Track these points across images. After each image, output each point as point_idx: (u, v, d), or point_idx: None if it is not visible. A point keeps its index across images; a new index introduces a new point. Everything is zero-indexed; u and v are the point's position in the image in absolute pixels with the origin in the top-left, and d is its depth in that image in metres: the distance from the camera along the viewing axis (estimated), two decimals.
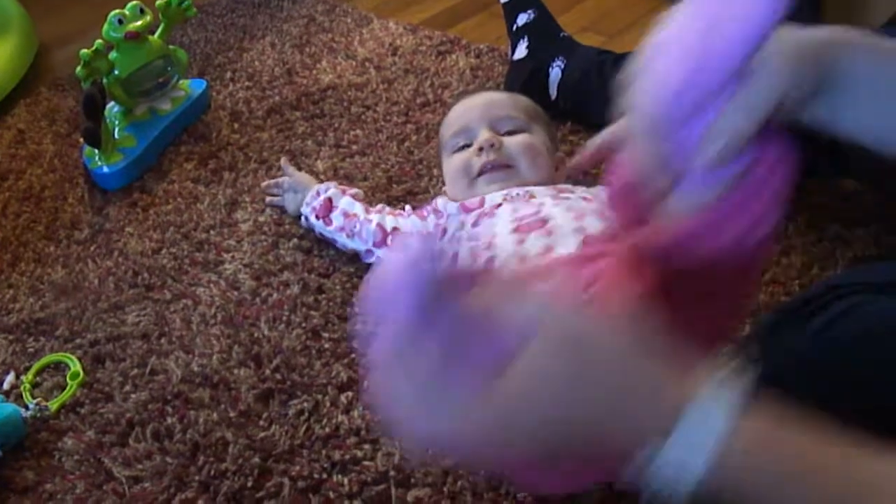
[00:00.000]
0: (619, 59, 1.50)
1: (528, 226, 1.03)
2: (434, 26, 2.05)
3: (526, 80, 1.60)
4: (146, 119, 1.62)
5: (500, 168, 1.21)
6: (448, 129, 1.32)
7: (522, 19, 1.65)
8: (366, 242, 1.27)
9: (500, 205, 1.14)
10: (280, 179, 1.46)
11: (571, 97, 1.56)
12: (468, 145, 1.25)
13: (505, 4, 1.70)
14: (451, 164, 1.27)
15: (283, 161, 1.49)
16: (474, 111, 1.29)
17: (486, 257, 1.01)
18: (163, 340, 1.21)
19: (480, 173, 1.22)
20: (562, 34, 1.64)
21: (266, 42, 1.99)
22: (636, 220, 0.74)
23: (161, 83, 1.65)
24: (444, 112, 1.43)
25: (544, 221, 1.02)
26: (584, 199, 1.12)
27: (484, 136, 1.23)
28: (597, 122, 1.51)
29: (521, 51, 1.64)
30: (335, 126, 1.67)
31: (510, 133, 1.25)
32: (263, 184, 1.49)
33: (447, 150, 1.30)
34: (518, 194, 1.15)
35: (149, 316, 1.25)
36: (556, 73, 1.56)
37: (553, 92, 1.58)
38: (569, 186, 1.20)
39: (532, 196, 1.14)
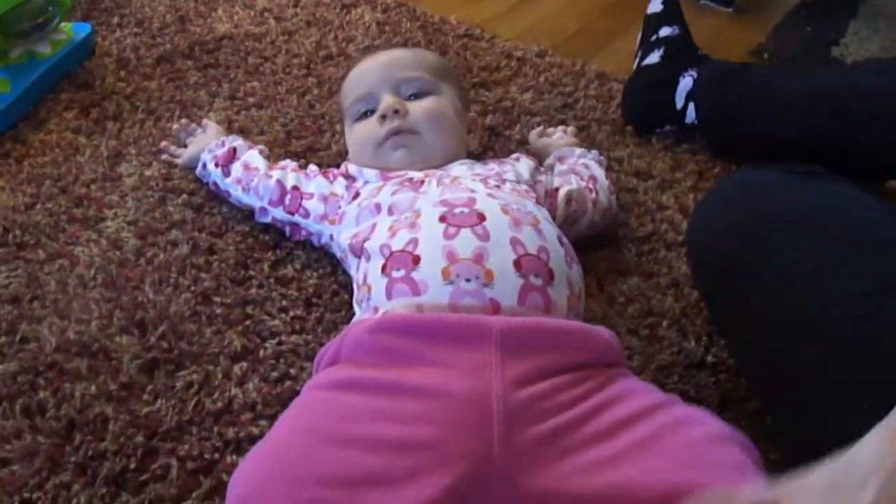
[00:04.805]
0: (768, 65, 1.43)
1: (460, 217, 0.95)
2: None
3: (651, 85, 1.52)
4: (22, 62, 1.50)
5: (406, 133, 1.16)
6: (349, 95, 1.25)
7: (665, 32, 1.58)
8: (261, 199, 1.19)
9: (423, 181, 1.07)
10: (192, 126, 1.40)
11: (704, 104, 1.47)
12: (371, 111, 1.20)
13: (651, 16, 1.62)
14: (355, 134, 1.22)
15: (207, 121, 1.41)
16: (375, 73, 1.22)
17: (407, 239, 0.94)
18: (35, 304, 1.10)
19: (386, 139, 1.16)
20: (699, 52, 1.57)
21: None
22: None
23: (40, 24, 1.51)
24: (348, 66, 1.36)
25: (480, 217, 0.94)
26: (514, 189, 1.07)
27: (387, 101, 1.17)
28: (736, 131, 1.44)
29: (654, 58, 1.55)
30: (230, 77, 1.58)
31: (415, 96, 1.19)
32: (175, 126, 1.41)
33: (349, 117, 1.24)
34: (440, 175, 1.09)
35: (20, 277, 1.14)
36: (686, 81, 1.47)
37: (679, 101, 1.48)
38: (493, 168, 1.14)
39: (456, 178, 1.07)
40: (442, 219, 0.95)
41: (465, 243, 0.91)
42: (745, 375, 1.03)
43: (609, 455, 0.74)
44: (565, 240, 1.00)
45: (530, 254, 0.91)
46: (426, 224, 0.95)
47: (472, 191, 1.01)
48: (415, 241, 0.93)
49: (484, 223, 0.93)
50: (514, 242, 0.92)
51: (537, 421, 0.76)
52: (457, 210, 0.96)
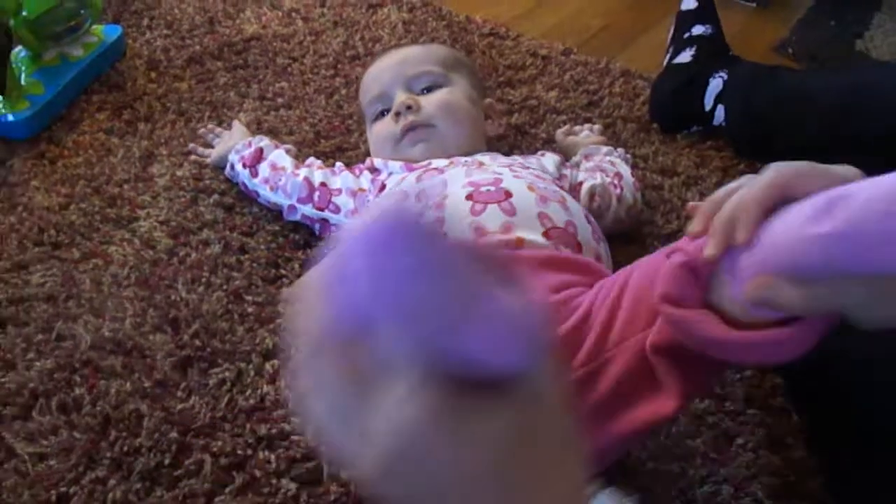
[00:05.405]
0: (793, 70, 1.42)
1: (487, 195, 0.97)
2: None
3: (681, 85, 1.51)
4: (56, 65, 1.52)
5: (422, 127, 1.18)
6: (365, 95, 1.28)
7: (698, 30, 1.57)
8: (289, 197, 1.21)
9: (446, 168, 1.09)
10: (218, 129, 1.42)
11: (733, 107, 1.46)
12: (387, 110, 1.22)
13: (684, 12, 1.62)
14: (374, 134, 1.24)
15: (235, 122, 1.43)
16: (387, 73, 1.25)
17: (433, 218, 0.95)
18: (70, 303, 1.12)
19: (403, 136, 1.18)
20: (730, 52, 1.57)
21: None
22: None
23: (73, 27, 1.53)
24: None
25: (507, 194, 0.96)
26: (538, 176, 1.08)
27: (399, 99, 1.19)
28: (765, 135, 1.41)
29: (685, 56, 1.55)
30: (259, 78, 1.59)
31: (428, 89, 1.22)
32: (201, 130, 1.42)
33: (367, 118, 1.27)
34: (466, 161, 1.11)
35: (55, 276, 1.16)
36: (716, 83, 1.47)
37: (708, 102, 1.47)
38: (516, 159, 1.16)
39: (481, 163, 1.09)
40: (469, 197, 0.96)
41: (493, 218, 0.93)
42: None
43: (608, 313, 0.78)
44: (592, 219, 1.03)
45: (557, 227, 0.94)
46: (452, 203, 0.97)
47: (498, 173, 1.03)
48: (440, 221, 0.94)
49: (511, 199, 0.95)
50: (542, 217, 0.94)
51: (561, 321, 0.80)
52: (483, 188, 0.97)
